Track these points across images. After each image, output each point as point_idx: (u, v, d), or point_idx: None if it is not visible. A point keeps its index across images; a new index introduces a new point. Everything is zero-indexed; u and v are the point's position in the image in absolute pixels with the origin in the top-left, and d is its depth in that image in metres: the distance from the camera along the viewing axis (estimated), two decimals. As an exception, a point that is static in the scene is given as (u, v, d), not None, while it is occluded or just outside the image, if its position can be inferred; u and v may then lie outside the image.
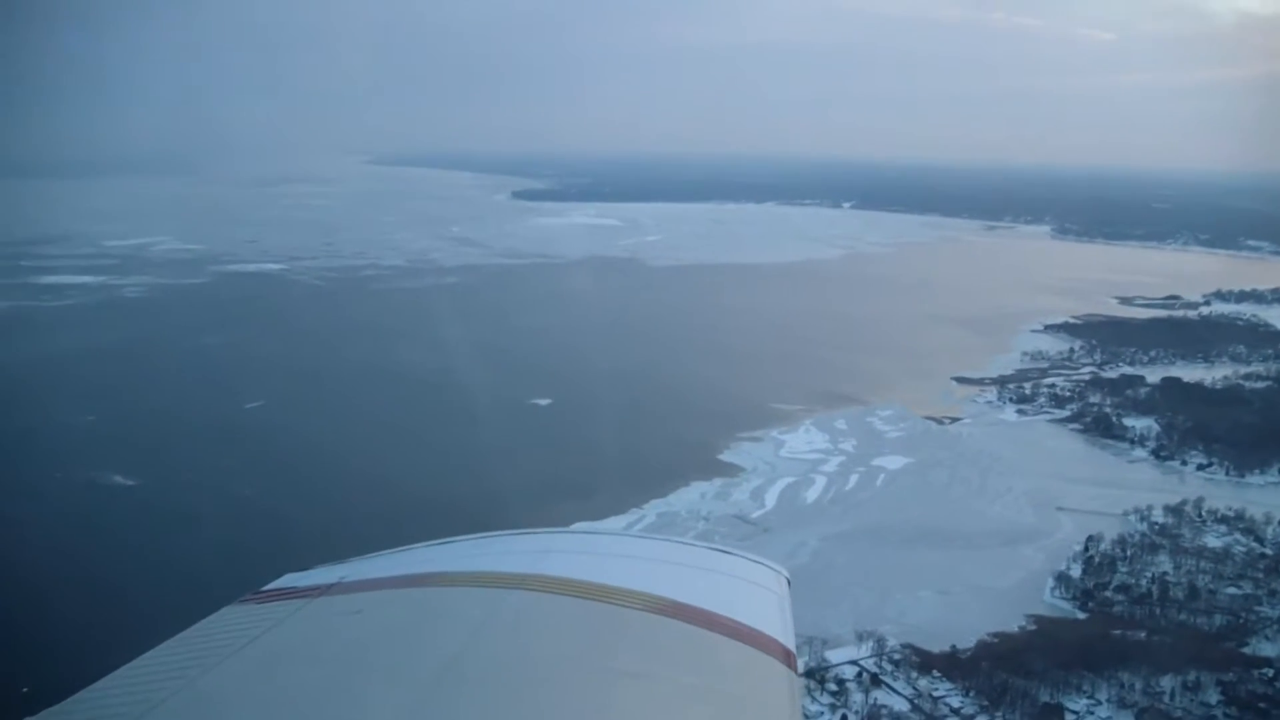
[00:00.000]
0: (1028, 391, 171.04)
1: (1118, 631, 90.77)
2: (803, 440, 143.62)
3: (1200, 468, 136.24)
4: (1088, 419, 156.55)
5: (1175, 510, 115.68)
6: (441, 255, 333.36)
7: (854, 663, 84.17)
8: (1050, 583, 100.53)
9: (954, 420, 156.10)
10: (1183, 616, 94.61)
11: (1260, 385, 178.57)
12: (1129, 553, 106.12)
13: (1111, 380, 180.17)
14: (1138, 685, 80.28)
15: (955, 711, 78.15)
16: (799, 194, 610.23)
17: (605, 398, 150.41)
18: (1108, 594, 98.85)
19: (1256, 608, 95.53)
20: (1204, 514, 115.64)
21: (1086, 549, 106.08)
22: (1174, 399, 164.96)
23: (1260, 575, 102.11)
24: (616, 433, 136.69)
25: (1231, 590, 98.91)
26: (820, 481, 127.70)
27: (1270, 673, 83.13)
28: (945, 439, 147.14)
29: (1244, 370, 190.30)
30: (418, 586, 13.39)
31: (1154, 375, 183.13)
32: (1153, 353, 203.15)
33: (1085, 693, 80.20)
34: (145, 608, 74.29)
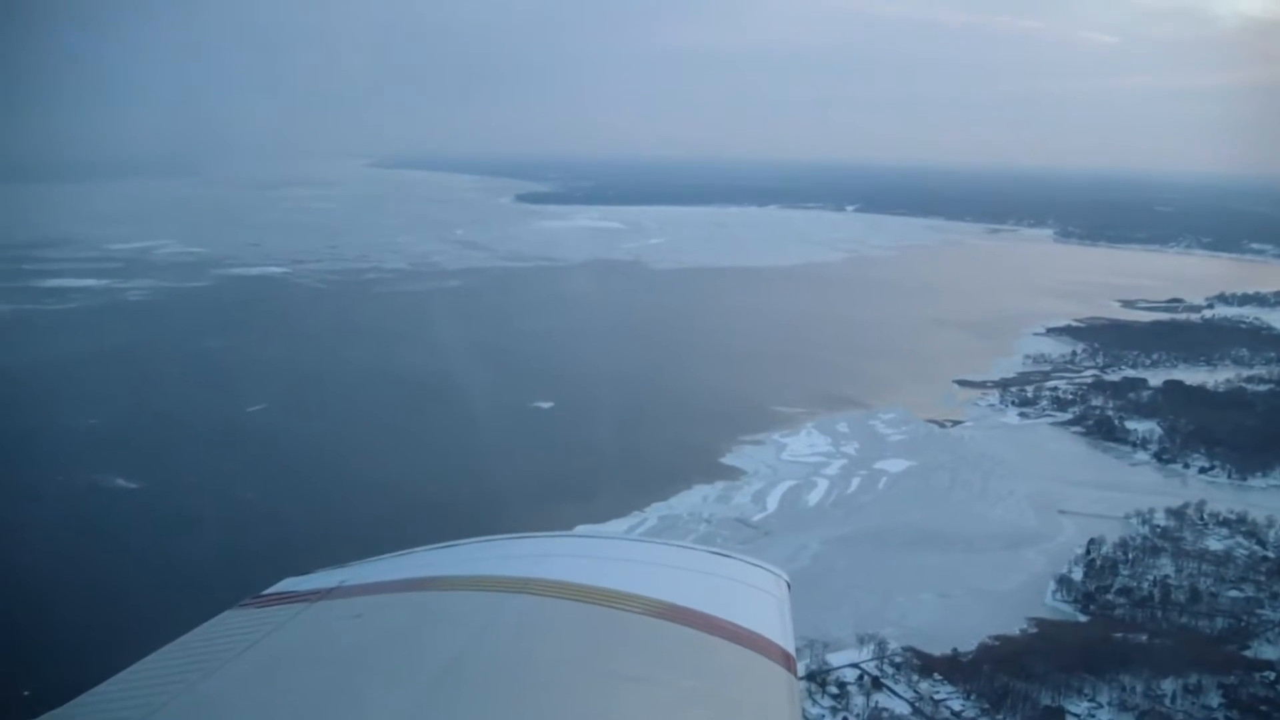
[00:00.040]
0: (1030, 394, 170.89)
1: (1119, 634, 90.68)
2: (804, 443, 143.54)
3: (1202, 471, 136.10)
4: (1090, 422, 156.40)
5: (1177, 513, 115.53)
6: (444, 258, 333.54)
7: (855, 665, 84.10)
8: (1052, 586, 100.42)
9: (956, 423, 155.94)
10: (1184, 619, 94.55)
11: (1263, 388, 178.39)
12: (1131, 556, 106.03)
13: (1114, 383, 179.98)
14: (1139, 688, 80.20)
15: (956, 714, 78.09)
16: (801, 197, 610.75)
17: (607, 400, 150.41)
18: (1109, 597, 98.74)
19: (1258, 611, 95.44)
20: (1206, 517, 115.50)
21: (1088, 552, 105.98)
22: (1176, 402, 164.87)
23: (1262, 578, 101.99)
24: (618, 435, 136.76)
25: (1233, 593, 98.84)
26: (822, 484, 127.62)
27: (1272, 676, 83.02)
28: (947, 442, 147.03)
29: (1246, 373, 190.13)
30: (418, 590, 13.36)
31: (1156, 378, 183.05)
32: (1155, 356, 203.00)
33: (1086, 696, 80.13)
34: (147, 611, 74.38)
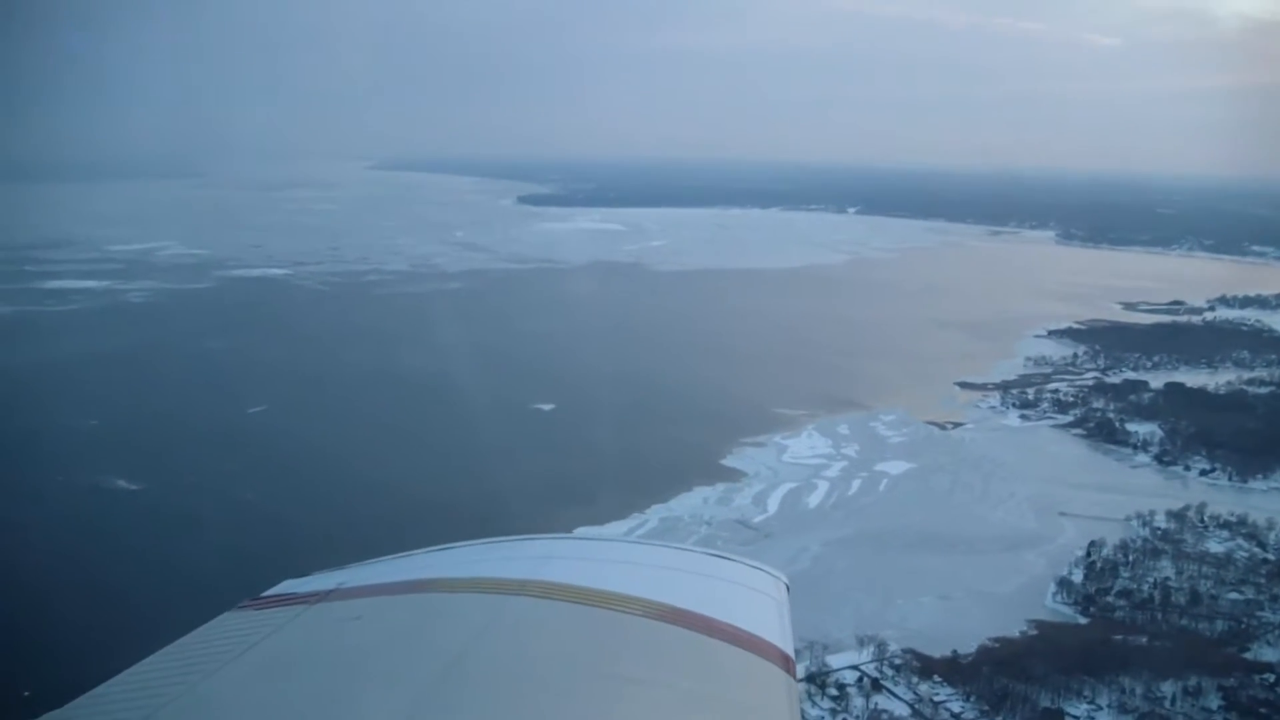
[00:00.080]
0: (1031, 397, 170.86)
1: (1119, 636, 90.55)
2: (805, 445, 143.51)
3: (1203, 473, 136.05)
4: (1091, 424, 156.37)
5: (1178, 515, 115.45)
6: (445, 260, 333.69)
7: (855, 667, 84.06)
8: (1052, 588, 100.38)
9: (957, 425, 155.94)
10: (1184, 621, 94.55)
11: (1264, 391, 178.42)
12: (1131, 558, 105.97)
13: (1115, 385, 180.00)
14: (1138, 690, 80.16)
15: (956, 716, 78.08)
16: (803, 199, 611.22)
17: (608, 402, 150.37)
18: (1109, 599, 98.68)
19: (1258, 613, 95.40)
20: (1206, 519, 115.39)
21: (1088, 554, 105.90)
22: (1177, 404, 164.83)
23: (1262, 580, 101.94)
24: (619, 437, 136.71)
25: (1233, 595, 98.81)
26: (822, 486, 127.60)
27: (1271, 678, 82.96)
28: (948, 444, 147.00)
29: (1247, 376, 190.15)
30: (417, 592, 13.39)
31: (1157, 380, 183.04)
32: (1156, 358, 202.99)
33: (1086, 698, 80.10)
34: (147, 611, 74.31)
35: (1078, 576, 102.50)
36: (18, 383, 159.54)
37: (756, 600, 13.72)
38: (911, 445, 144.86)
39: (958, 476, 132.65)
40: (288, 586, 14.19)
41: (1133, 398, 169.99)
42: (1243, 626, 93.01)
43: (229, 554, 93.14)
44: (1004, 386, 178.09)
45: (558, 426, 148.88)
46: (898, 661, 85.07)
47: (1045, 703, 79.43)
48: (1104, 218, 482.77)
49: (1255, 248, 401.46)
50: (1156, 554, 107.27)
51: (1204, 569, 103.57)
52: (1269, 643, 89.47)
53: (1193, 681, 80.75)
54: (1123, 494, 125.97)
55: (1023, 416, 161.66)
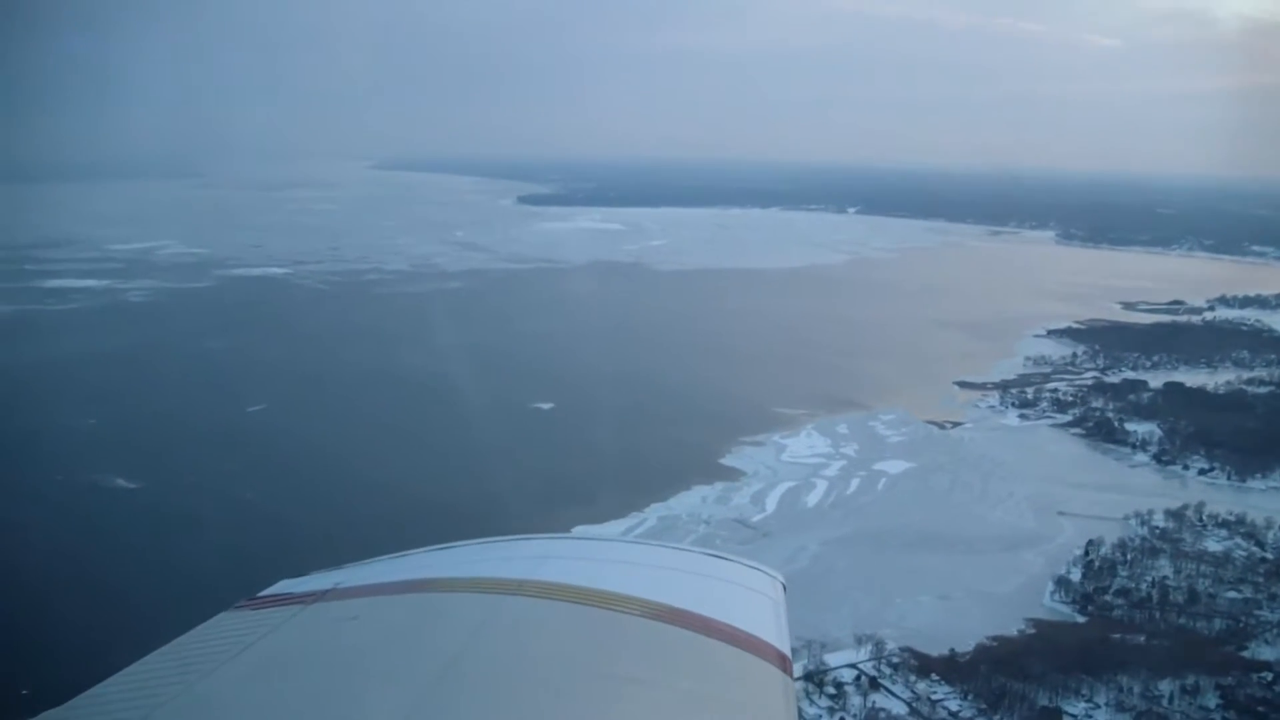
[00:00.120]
0: (1030, 396, 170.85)
1: (1117, 635, 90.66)
2: (804, 444, 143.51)
3: (1202, 472, 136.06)
4: (1090, 424, 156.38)
5: (1176, 515, 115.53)
6: (445, 260, 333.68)
7: (853, 666, 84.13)
8: (1050, 587, 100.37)
9: (956, 425, 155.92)
10: (1182, 620, 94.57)
11: (1263, 390, 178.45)
12: (1129, 557, 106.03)
13: (1114, 385, 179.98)
14: (1136, 689, 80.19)
15: (953, 715, 78.10)
16: (803, 199, 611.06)
17: (607, 402, 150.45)
18: (1107, 598, 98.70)
19: (1256, 612, 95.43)
20: (1205, 518, 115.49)
21: (1087, 553, 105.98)
22: (1176, 404, 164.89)
23: (1260, 579, 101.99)
24: (618, 436, 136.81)
25: (1231, 594, 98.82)
26: (821, 486, 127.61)
27: (1269, 677, 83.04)
28: (947, 443, 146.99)
29: (1247, 375, 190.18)
30: (414, 592, 13.41)
31: (1157, 380, 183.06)
32: (1156, 358, 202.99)
33: (1084, 696, 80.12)
34: (146, 610, 74.48)
35: (1076, 575, 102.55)
36: (18, 382, 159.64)
37: (753, 600, 13.76)
38: (910, 444, 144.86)
39: (956, 476, 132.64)
40: (284, 586, 14.19)
41: (1132, 397, 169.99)
42: (1241, 625, 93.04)
43: (227, 553, 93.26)
44: (1003, 386, 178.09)
45: (557, 426, 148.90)
46: (895, 660, 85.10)
47: (1043, 701, 79.46)
48: (1104, 218, 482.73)
49: (1255, 248, 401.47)
50: (1155, 553, 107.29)
51: (1202, 568, 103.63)
52: (1267, 641, 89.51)
53: (1190, 680, 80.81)
54: (1121, 493, 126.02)
55: (1022, 416, 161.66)
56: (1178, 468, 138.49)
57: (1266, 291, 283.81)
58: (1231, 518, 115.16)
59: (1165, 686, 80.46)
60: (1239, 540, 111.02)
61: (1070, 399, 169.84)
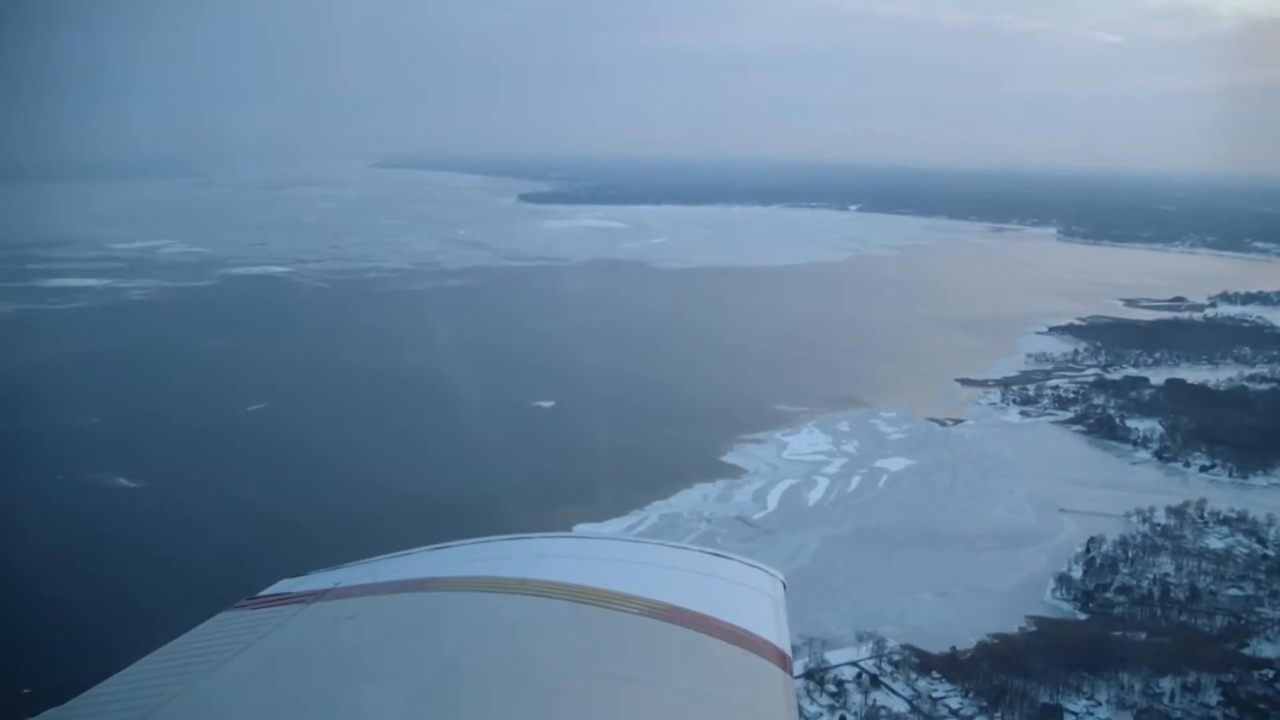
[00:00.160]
0: (1031, 393, 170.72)
1: (1118, 633, 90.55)
2: (805, 442, 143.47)
3: (1203, 469, 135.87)
4: (1091, 421, 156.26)
5: (1177, 512, 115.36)
6: (447, 258, 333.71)
7: (854, 664, 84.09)
8: (1051, 584, 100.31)
9: (957, 422, 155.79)
10: (1183, 618, 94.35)
11: (1264, 387, 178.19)
12: (1130, 554, 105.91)
13: (1115, 382, 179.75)
14: (1137, 686, 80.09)
15: (954, 712, 78.04)
16: (805, 197, 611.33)
17: (608, 399, 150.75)
18: (1108, 595, 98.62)
19: (1258, 609, 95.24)
20: (1206, 515, 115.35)
21: (1088, 550, 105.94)
22: (1178, 401, 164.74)
23: (1262, 576, 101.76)
24: (619, 434, 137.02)
25: (1233, 591, 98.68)
26: (822, 483, 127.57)
27: (1271, 674, 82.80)
28: (948, 441, 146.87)
29: (1248, 372, 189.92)
30: (414, 591, 13.44)
31: (1158, 377, 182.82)
32: (1157, 354, 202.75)
33: (1085, 694, 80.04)
34: (146, 608, 74.54)
35: (1077, 573, 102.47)
36: (20, 381, 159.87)
37: (753, 598, 13.80)
38: (912, 442, 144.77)
39: (958, 473, 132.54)
40: (284, 586, 14.24)
41: (1133, 394, 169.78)
42: (1242, 622, 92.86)
43: (228, 552, 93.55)
44: (1004, 383, 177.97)
45: (558, 424, 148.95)
46: (896, 658, 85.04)
47: (1044, 699, 79.31)
48: (1105, 214, 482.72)
49: (1257, 244, 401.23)
50: (1156, 550, 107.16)
51: (1203, 565, 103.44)
52: (1268, 638, 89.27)
53: (1192, 677, 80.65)
54: (1123, 490, 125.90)
55: (1023, 413, 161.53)
56: (1179, 464, 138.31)
57: (1268, 288, 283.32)
58: (1233, 515, 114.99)
59: (1166, 684, 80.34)
60: (1240, 537, 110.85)
61: (1071, 396, 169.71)
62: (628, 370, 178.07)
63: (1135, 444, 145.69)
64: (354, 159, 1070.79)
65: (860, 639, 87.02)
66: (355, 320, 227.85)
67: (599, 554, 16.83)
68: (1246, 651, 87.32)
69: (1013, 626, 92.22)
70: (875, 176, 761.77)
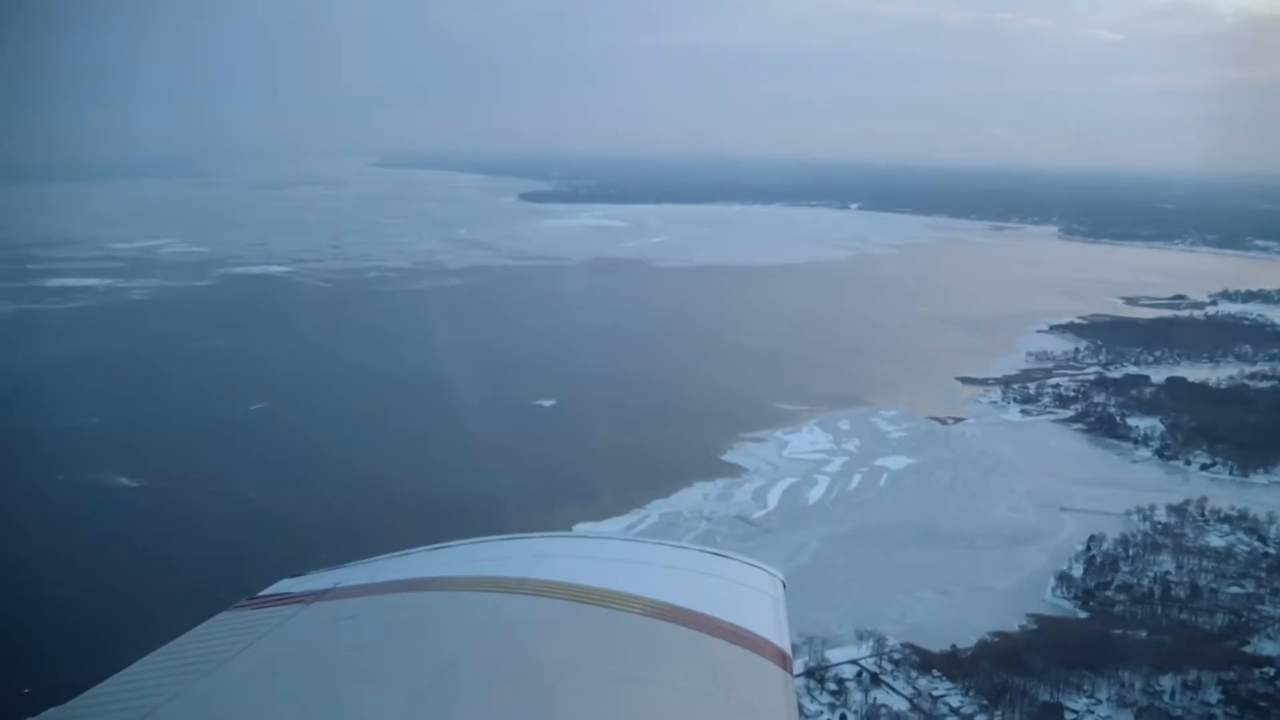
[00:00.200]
0: (1032, 392, 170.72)
1: (1119, 631, 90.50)
2: (806, 441, 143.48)
3: (1204, 467, 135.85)
4: (1092, 419, 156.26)
5: (1178, 510, 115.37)
6: (447, 257, 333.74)
7: (854, 662, 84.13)
8: (1052, 582, 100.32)
9: (958, 420, 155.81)
10: (1184, 616, 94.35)
11: (1265, 385, 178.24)
12: (1131, 552, 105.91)
13: (1116, 380, 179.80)
14: (1138, 684, 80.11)
15: (955, 711, 78.10)
16: (805, 195, 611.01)
17: (609, 398, 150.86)
18: (1109, 593, 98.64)
19: (1258, 607, 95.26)
20: (1207, 513, 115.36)
21: (1088, 549, 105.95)
22: (1178, 399, 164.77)
23: (1263, 574, 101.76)
24: (619, 433, 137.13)
25: (1234, 589, 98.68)
26: (823, 482, 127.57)
27: (1271, 672, 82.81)
28: (949, 439, 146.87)
29: (1249, 370, 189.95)
30: (414, 591, 13.42)
31: (1159, 375, 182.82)
32: (1158, 353, 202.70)
33: (1085, 692, 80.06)
34: (147, 608, 74.63)
35: (1078, 571, 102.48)
36: (21, 380, 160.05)
37: (753, 598, 13.79)
38: (912, 440, 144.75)
39: (958, 472, 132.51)
40: (284, 586, 14.21)
41: (1134, 392, 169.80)
42: (1243, 620, 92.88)
43: (228, 551, 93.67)
44: (1005, 381, 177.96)
45: (558, 423, 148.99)
46: (897, 656, 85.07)
47: (1044, 697, 79.34)
48: (1106, 213, 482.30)
49: (1258, 242, 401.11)
50: (1157, 548, 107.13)
51: (1204, 563, 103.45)
52: (1269, 637, 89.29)
53: (1192, 675, 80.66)
54: (1123, 489, 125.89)
55: (1024, 411, 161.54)
56: (1180, 463, 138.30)
57: (1269, 286, 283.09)
58: (1234, 513, 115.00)
59: (1167, 682, 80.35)
60: (1241, 535, 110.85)
61: (1072, 394, 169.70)
62: (628, 369, 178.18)
63: (1136, 442, 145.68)
64: (354, 158, 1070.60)
65: (860, 637, 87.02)
66: (356, 319, 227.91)
67: (599, 553, 16.81)
68: (1247, 649, 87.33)
69: (1013, 625, 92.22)
70: (875, 175, 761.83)
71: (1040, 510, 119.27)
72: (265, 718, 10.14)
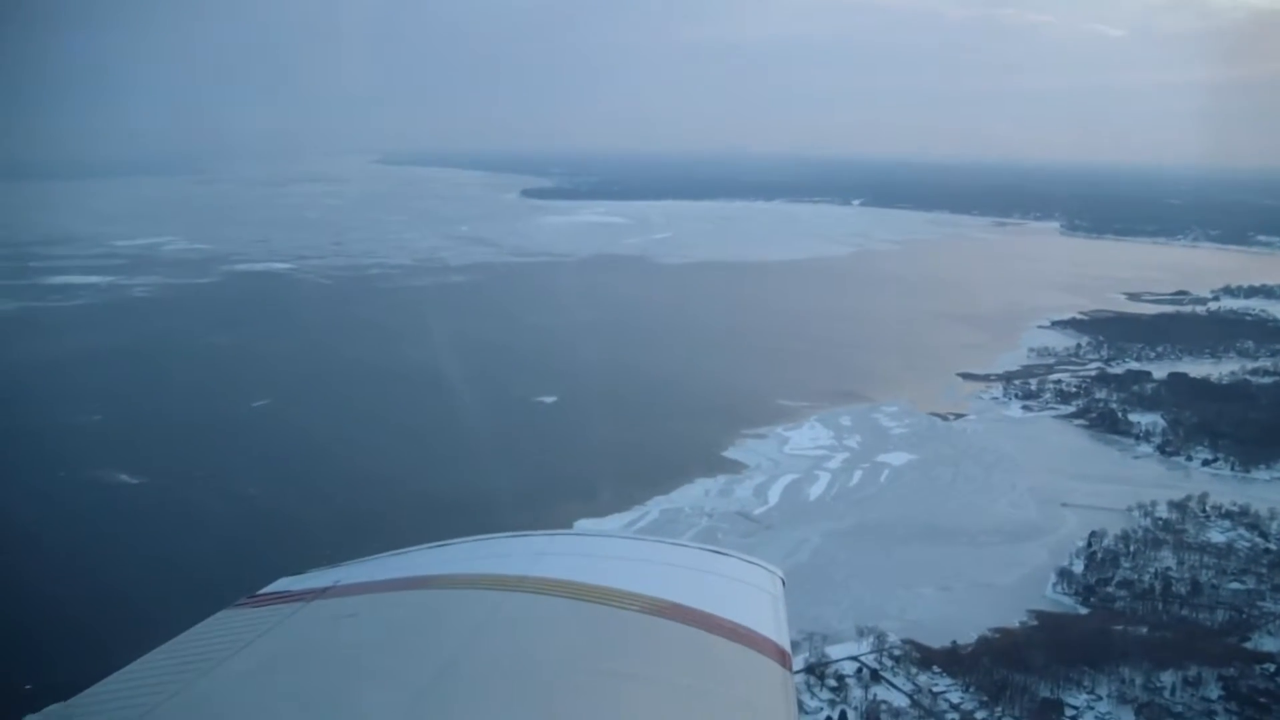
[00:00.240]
0: (1033, 387, 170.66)
1: (1119, 627, 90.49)
2: (807, 437, 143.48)
3: (1205, 463, 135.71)
4: (1093, 415, 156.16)
5: (1179, 506, 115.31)
6: (450, 254, 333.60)
7: (854, 659, 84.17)
8: (1053, 578, 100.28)
9: (959, 416, 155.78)
10: (1185, 612, 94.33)
11: (1267, 381, 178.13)
12: (1132, 548, 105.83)
13: (1118, 376, 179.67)
14: (1138, 681, 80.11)
15: (955, 707, 78.12)
16: (808, 191, 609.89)
17: (610, 395, 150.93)
18: (1110, 589, 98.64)
19: (1259, 603, 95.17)
20: (1208, 509, 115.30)
21: (1089, 544, 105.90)
22: (1180, 394, 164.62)
23: (1264, 570, 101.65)
24: (620, 429, 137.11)
25: (1234, 585, 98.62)
26: (824, 478, 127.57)
27: (1272, 668, 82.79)
28: (950, 435, 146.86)
29: (1251, 366, 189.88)
30: (413, 589, 13.42)
31: (1161, 371, 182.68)
32: (1160, 348, 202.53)
33: (1085, 688, 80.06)
34: (148, 605, 74.68)
35: (1079, 567, 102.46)
36: (23, 378, 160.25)
37: (752, 595, 13.81)
38: (913, 436, 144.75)
39: (959, 468, 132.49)
40: (284, 584, 14.20)
41: (1135, 388, 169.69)
42: (1244, 617, 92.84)
43: (229, 548, 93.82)
44: (1006, 377, 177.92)
45: (560, 419, 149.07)
46: (897, 652, 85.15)
47: (1045, 693, 79.37)
48: (1109, 208, 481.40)
49: (1261, 238, 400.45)
50: (1158, 544, 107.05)
51: (1205, 559, 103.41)
52: (1270, 633, 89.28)
53: (1193, 672, 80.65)
54: (1125, 484, 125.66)
55: (1025, 407, 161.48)
56: (1181, 459, 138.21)
57: (1271, 281, 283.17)
58: (1235, 508, 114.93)
59: (1167, 678, 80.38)
60: (1242, 531, 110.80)
61: (1074, 390, 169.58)
62: (630, 365, 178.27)
63: (1137, 438, 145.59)
64: (356, 155, 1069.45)
65: (861, 634, 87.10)
66: (358, 316, 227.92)
67: (598, 551, 16.86)
68: (1248, 646, 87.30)
69: (1014, 621, 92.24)
70: (878, 171, 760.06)
71: (1041, 506, 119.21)
72: (265, 716, 10.14)
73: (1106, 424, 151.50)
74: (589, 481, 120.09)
